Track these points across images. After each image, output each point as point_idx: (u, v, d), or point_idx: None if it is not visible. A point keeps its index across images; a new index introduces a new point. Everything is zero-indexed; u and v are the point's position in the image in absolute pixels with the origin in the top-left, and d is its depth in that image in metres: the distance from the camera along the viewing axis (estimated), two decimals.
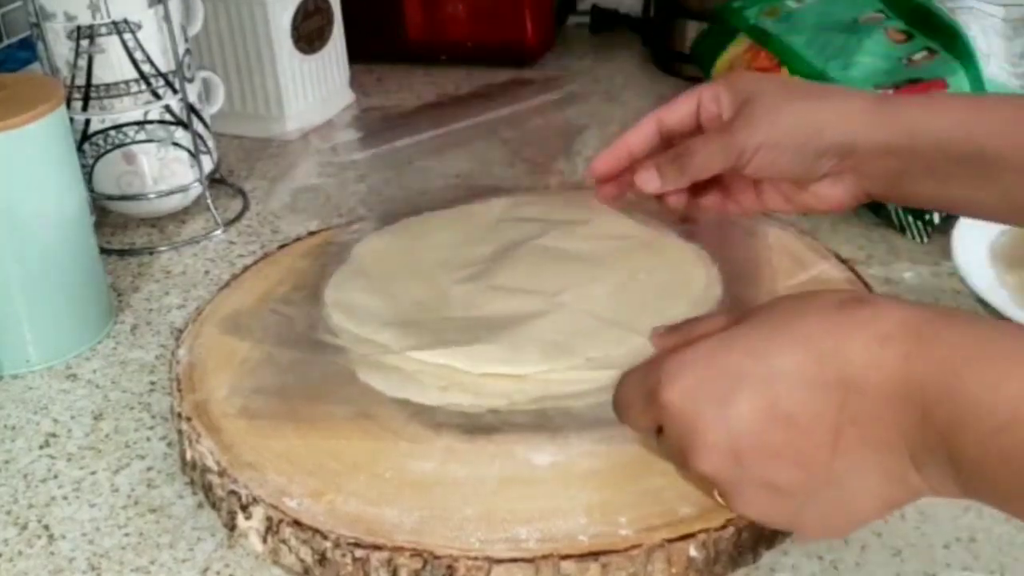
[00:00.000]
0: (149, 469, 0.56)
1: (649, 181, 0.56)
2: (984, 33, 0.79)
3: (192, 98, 0.78)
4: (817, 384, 0.38)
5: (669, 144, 0.58)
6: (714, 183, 0.58)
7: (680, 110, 0.57)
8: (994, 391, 0.35)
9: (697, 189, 0.58)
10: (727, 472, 0.40)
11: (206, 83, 0.83)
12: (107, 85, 0.74)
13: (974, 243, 0.69)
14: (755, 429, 0.39)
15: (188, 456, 0.53)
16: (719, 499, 0.42)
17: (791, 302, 0.42)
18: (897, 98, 0.62)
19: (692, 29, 1.02)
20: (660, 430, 0.43)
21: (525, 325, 0.58)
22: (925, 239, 0.73)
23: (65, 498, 0.54)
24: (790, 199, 0.57)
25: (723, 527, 0.45)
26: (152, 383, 0.63)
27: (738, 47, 0.90)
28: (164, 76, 0.76)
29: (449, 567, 0.44)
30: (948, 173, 0.51)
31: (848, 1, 0.87)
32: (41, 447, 0.58)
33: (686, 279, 0.61)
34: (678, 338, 0.44)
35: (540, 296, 0.60)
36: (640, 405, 0.43)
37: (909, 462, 0.37)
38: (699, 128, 0.57)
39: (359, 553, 0.45)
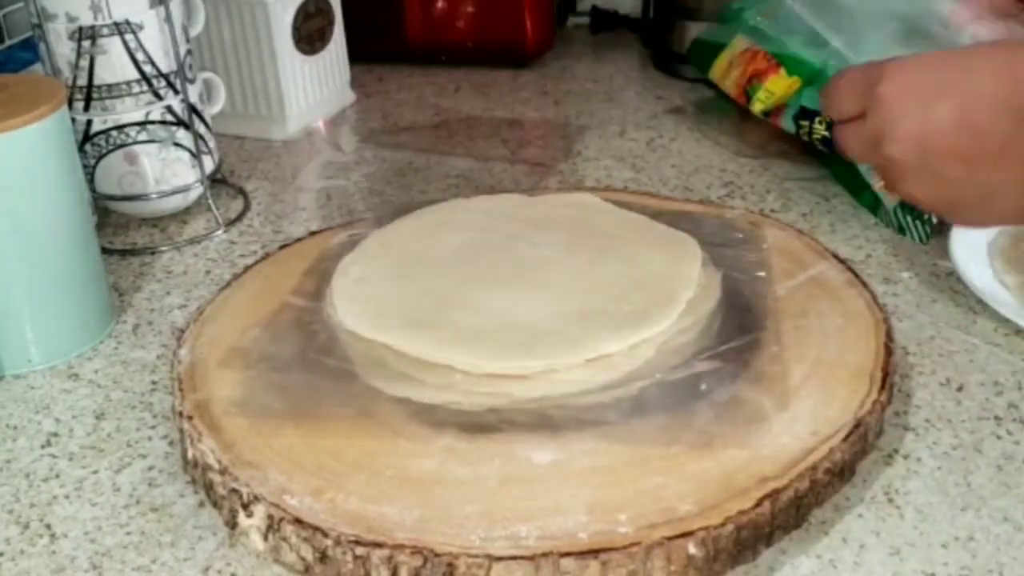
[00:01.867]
0: (151, 468, 0.56)
1: None
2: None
3: (193, 98, 0.78)
4: (1006, 106, 0.47)
5: None
6: None
7: None
8: None
9: None
10: (909, 158, 0.49)
11: (207, 84, 0.83)
12: (109, 86, 0.74)
13: (972, 243, 0.69)
14: (945, 130, 0.48)
15: (189, 455, 0.53)
16: (882, 186, 0.50)
17: (1012, 42, 0.51)
18: None
19: (691, 30, 1.03)
20: (857, 119, 0.51)
21: (525, 324, 0.58)
22: (924, 240, 0.73)
23: (67, 497, 0.54)
24: None
25: (722, 524, 0.45)
26: (153, 382, 0.63)
27: (736, 48, 0.90)
28: (166, 77, 0.76)
29: (449, 565, 0.45)
30: None
31: None
32: (43, 446, 0.58)
33: (685, 280, 0.62)
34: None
35: (540, 296, 0.61)
36: (855, 90, 0.51)
37: None
38: None
39: (360, 551, 0.45)
